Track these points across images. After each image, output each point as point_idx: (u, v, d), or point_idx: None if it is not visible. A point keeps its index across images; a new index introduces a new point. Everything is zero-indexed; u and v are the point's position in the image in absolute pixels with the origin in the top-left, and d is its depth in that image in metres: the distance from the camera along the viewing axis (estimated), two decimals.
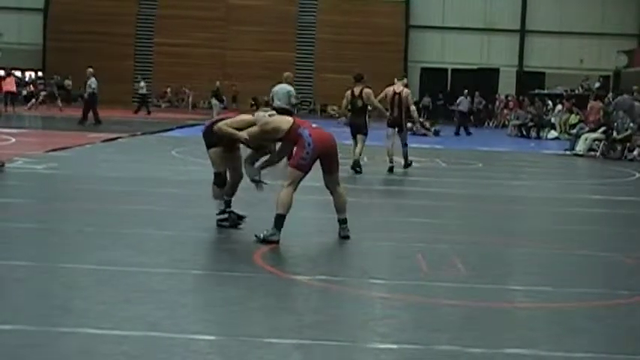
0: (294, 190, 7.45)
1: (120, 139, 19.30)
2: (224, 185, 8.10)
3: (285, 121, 7.61)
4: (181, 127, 26.07)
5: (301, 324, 5.06)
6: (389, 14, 43.38)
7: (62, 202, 9.63)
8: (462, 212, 10.46)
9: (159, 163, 14.50)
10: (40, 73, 43.96)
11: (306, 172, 7.49)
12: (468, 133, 29.63)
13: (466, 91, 31.57)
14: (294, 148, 7.49)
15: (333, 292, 5.82)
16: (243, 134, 7.72)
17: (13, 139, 16.31)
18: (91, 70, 24.91)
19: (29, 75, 44.72)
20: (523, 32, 43.70)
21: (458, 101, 30.96)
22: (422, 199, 11.37)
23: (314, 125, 7.64)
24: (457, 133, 29.59)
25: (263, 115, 7.77)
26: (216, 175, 8.10)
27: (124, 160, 14.86)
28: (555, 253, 7.59)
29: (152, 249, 6.97)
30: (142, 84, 35.45)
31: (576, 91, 36.87)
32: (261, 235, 7.27)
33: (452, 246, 7.64)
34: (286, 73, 16.73)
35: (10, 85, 30.73)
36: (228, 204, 8.19)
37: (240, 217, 8.16)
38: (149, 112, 33.54)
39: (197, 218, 8.66)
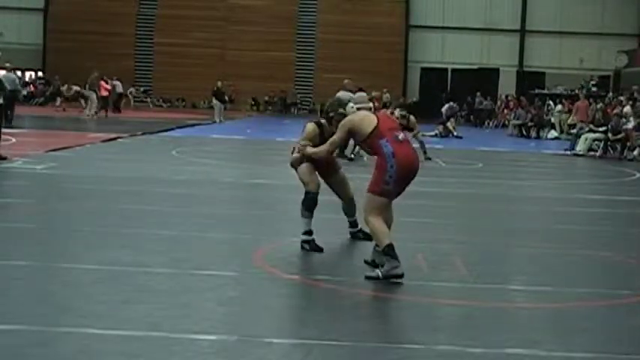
0: (380, 215, 6.28)
1: (120, 139, 19.29)
2: (313, 207, 7.22)
3: (368, 123, 6.36)
4: (181, 127, 26.05)
5: (301, 324, 5.06)
6: (389, 14, 43.35)
7: (62, 202, 9.62)
8: (462, 212, 10.46)
9: (159, 163, 14.50)
10: (40, 73, 44.02)
11: (394, 198, 6.35)
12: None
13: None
14: (374, 170, 6.33)
15: (333, 292, 5.82)
16: (323, 149, 6.89)
17: (14, 139, 16.31)
18: (7, 65, 24.65)
19: (29, 75, 44.75)
20: (523, 32, 43.67)
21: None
22: (422, 199, 11.36)
23: (400, 136, 6.28)
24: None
25: (351, 107, 6.75)
26: (306, 193, 7.28)
27: (124, 160, 14.85)
28: (555, 253, 7.58)
29: (152, 249, 6.97)
30: (117, 83, 35.39)
31: (576, 91, 36.86)
32: (379, 274, 6.09)
33: (452, 246, 7.64)
34: (345, 81, 18.23)
35: (104, 90, 30.96)
36: (353, 224, 7.66)
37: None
38: (112, 111, 33.43)
39: (197, 218, 8.66)
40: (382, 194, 6.24)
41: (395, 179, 6.18)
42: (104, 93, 31.24)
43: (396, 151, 6.18)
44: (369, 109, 6.74)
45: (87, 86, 31.25)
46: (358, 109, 6.69)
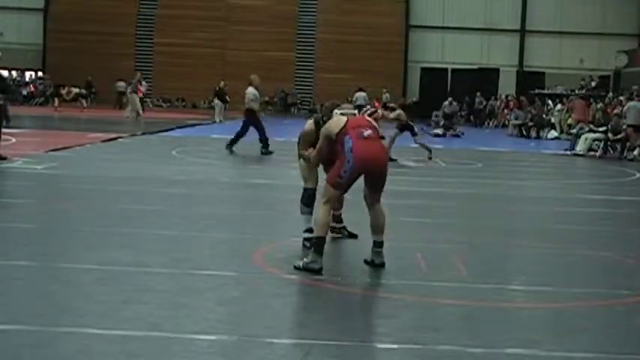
0: (332, 207, 6.67)
1: (120, 139, 19.29)
2: (311, 203, 7.33)
3: (337, 124, 6.58)
4: (181, 127, 26.05)
5: (301, 324, 5.07)
6: (389, 14, 43.34)
7: (62, 202, 9.63)
8: (462, 212, 10.46)
9: (159, 163, 14.50)
10: (40, 73, 44.00)
11: (344, 192, 6.64)
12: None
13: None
14: (337, 161, 6.54)
15: (333, 292, 5.82)
16: (311, 155, 7.10)
17: (14, 139, 16.30)
18: None
19: (30, 75, 44.74)
20: (523, 32, 43.66)
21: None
22: (421, 199, 11.37)
23: (366, 133, 6.43)
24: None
25: (335, 114, 6.88)
26: (304, 190, 7.43)
27: (124, 160, 14.85)
28: (555, 253, 7.59)
29: (152, 249, 6.97)
30: (144, 83, 35.36)
31: (576, 91, 36.86)
32: (301, 264, 6.31)
33: (452, 246, 7.64)
34: (252, 76, 17.76)
35: (139, 92, 30.94)
36: (337, 219, 7.62)
37: (353, 235, 7.69)
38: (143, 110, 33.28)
39: (197, 218, 8.66)
40: (334, 186, 6.45)
41: (349, 174, 6.38)
42: (139, 94, 31.29)
43: (355, 147, 6.33)
44: (353, 115, 6.88)
45: (129, 89, 31.27)
46: (342, 114, 6.83)
